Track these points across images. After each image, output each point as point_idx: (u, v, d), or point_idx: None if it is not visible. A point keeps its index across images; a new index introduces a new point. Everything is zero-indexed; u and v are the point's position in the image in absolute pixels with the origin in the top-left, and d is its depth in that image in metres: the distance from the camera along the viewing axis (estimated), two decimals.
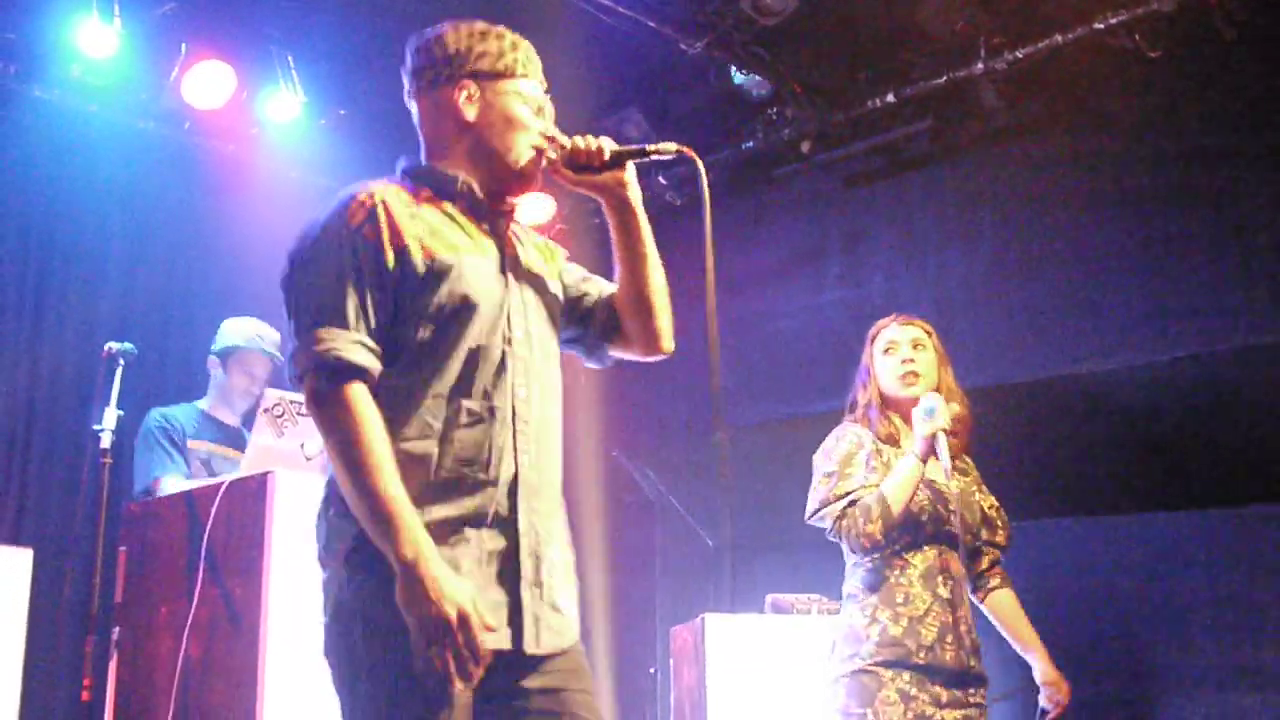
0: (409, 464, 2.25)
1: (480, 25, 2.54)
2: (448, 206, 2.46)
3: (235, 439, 4.99)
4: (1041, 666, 3.66)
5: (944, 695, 3.44)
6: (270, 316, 5.68)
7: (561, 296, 2.62)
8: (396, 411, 2.30)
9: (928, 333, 3.76)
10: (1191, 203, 5.35)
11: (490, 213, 2.51)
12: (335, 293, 2.30)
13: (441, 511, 2.26)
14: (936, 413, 3.49)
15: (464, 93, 2.49)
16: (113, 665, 3.81)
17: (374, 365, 2.29)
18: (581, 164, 2.54)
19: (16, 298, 5.78)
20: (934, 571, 3.52)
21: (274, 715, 3.37)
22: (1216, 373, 5.34)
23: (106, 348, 4.41)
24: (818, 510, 3.59)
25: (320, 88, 6.15)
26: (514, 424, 2.36)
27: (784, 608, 4.76)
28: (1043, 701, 3.65)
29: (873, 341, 3.78)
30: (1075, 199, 5.68)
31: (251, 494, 3.55)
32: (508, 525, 2.32)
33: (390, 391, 2.31)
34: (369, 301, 2.31)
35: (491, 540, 2.30)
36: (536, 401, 2.42)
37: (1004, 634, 3.76)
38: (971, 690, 3.50)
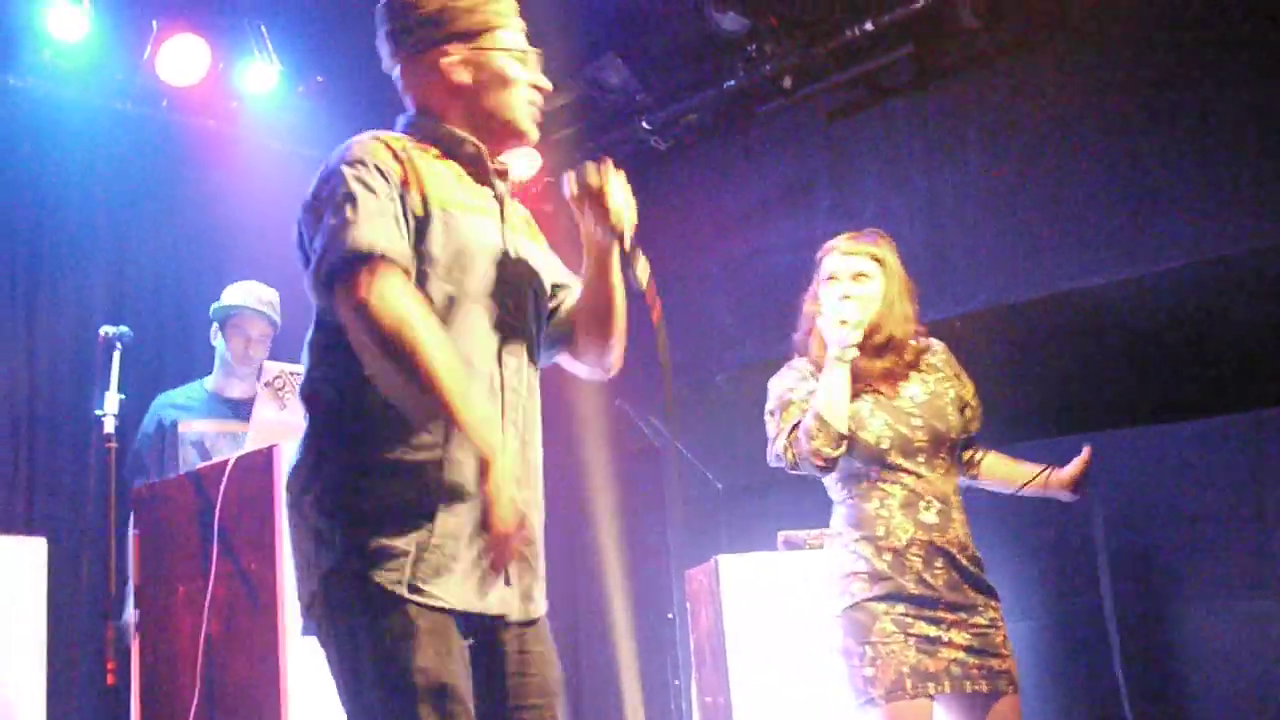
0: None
1: None
2: (454, 165, 2.47)
3: (243, 411, 4.98)
4: (1058, 474, 3.57)
5: (948, 616, 3.37)
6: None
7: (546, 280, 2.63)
8: None
9: (878, 260, 3.57)
10: (1175, 112, 5.31)
11: (493, 174, 2.52)
12: (379, 206, 2.28)
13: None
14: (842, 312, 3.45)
15: (451, 57, 2.47)
16: (135, 648, 3.84)
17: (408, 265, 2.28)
18: (587, 197, 2.48)
19: (8, 288, 5.76)
20: (914, 498, 3.43)
21: (298, 686, 3.40)
22: (1209, 281, 5.32)
23: (102, 332, 4.42)
24: (772, 449, 3.52)
25: (296, 56, 6.11)
26: (504, 393, 2.42)
27: (796, 544, 4.78)
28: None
29: (819, 263, 3.62)
30: (1059, 115, 5.65)
31: (258, 469, 3.56)
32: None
33: None
34: (404, 225, 2.31)
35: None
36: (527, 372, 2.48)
37: (1011, 489, 3.65)
38: (980, 608, 3.41)
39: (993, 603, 3.46)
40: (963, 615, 3.39)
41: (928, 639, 3.34)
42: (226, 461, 3.68)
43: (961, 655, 3.35)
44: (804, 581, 4.61)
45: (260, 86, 6.04)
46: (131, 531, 4.00)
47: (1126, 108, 5.44)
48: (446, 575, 2.27)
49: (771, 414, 3.54)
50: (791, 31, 6.12)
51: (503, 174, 2.56)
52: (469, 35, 2.48)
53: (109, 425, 4.29)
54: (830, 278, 3.56)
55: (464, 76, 2.47)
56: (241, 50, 5.97)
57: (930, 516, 3.43)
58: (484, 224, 2.44)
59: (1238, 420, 5.52)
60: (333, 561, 2.27)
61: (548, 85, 2.56)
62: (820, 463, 3.41)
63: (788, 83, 6.33)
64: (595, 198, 2.47)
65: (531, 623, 2.45)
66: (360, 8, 6.35)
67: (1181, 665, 5.53)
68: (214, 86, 6.01)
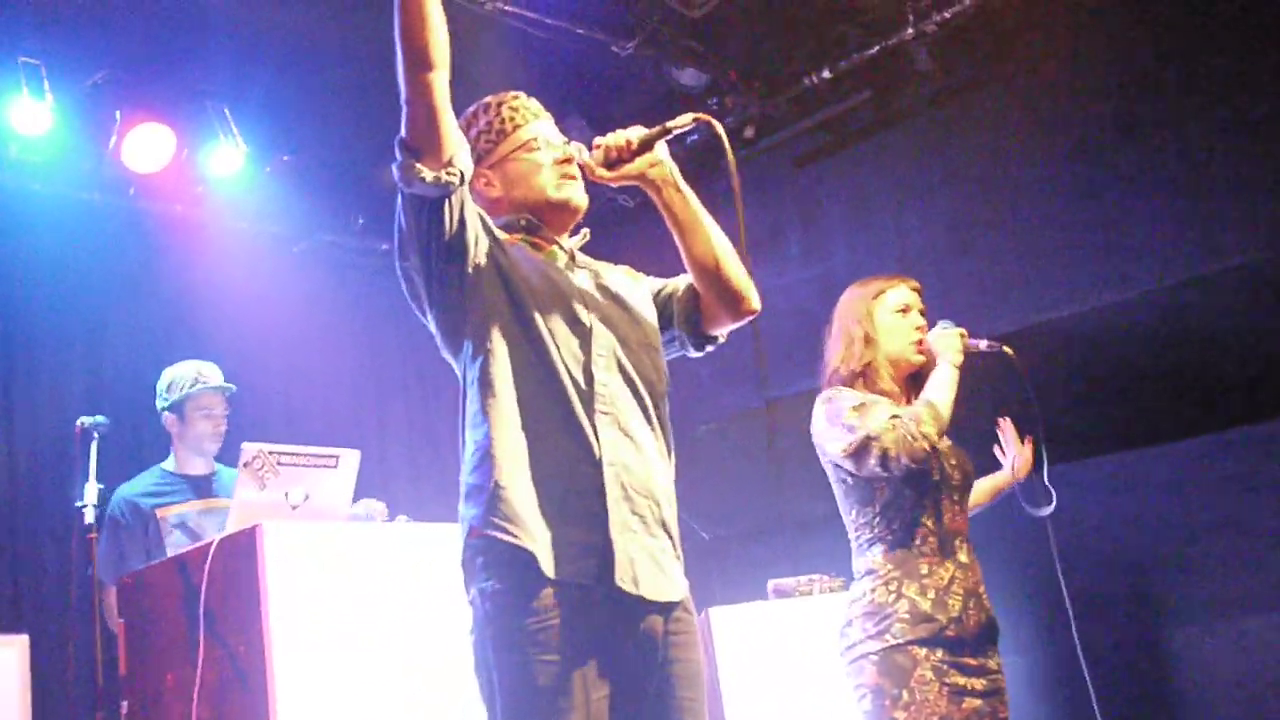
0: None
1: (464, 116, 2.70)
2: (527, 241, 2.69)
3: (209, 487, 4.97)
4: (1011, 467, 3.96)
5: (971, 662, 3.38)
6: (241, 367, 5.67)
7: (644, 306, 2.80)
8: None
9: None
10: (1136, 138, 5.38)
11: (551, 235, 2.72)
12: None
13: None
14: (950, 326, 3.58)
15: (480, 181, 2.68)
16: None
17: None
18: (614, 160, 2.67)
19: None
20: (949, 536, 3.44)
21: None
22: (1181, 303, 5.37)
23: (79, 423, 4.40)
24: (858, 438, 3.37)
25: (261, 136, 6.12)
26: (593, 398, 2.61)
27: (786, 591, 4.77)
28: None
29: (875, 299, 3.65)
30: (1020, 150, 5.71)
31: (241, 550, 3.53)
32: None
33: None
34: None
35: None
36: None
37: (987, 500, 3.94)
38: (990, 650, 3.44)
39: (996, 648, 3.49)
40: (982, 660, 3.42)
41: (957, 689, 3.35)
42: (210, 544, 3.65)
43: (980, 704, 3.36)
44: (796, 629, 4.60)
45: (226, 169, 6.05)
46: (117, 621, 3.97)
47: (1086, 137, 5.51)
48: None
49: (857, 409, 3.42)
50: (751, 83, 6.18)
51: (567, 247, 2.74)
52: (483, 156, 2.69)
53: (89, 516, 4.26)
54: (904, 309, 3.66)
55: (496, 190, 2.70)
56: (206, 134, 5.98)
57: (963, 556, 3.46)
58: (550, 268, 2.64)
59: (1221, 438, 5.55)
60: None
61: (572, 151, 2.70)
62: (926, 449, 3.34)
63: (750, 133, 6.38)
64: (616, 152, 2.66)
65: None
66: (323, 85, 6.39)
67: (1176, 686, 5.52)
68: (180, 172, 6.02)
